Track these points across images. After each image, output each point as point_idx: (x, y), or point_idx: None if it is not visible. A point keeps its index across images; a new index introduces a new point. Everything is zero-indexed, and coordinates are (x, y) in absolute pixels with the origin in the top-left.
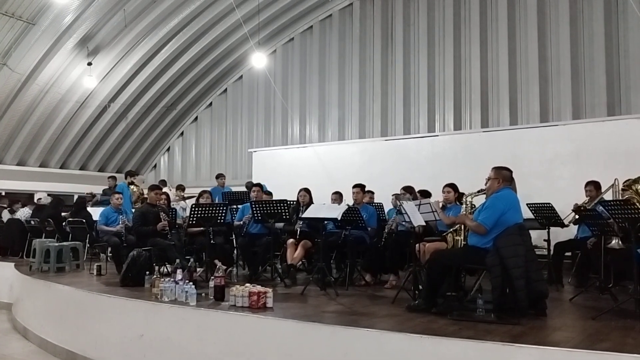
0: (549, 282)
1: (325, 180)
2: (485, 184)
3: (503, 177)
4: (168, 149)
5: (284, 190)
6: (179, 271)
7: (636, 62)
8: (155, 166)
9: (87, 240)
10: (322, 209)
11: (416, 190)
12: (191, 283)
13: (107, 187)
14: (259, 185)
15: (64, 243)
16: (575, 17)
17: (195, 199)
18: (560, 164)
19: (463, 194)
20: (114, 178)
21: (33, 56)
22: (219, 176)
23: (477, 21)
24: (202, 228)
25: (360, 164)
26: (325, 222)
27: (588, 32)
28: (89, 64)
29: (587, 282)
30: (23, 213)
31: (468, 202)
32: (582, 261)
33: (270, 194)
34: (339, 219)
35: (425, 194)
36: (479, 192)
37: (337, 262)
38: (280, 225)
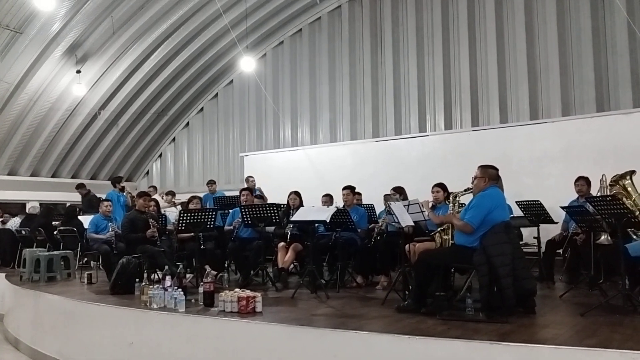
0: (540, 280)
1: (317, 182)
2: (472, 183)
3: (489, 175)
4: (160, 155)
5: (276, 194)
6: (167, 278)
7: (624, 58)
8: (147, 173)
9: (79, 249)
10: (311, 211)
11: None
12: (180, 289)
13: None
14: (248, 189)
15: (54, 252)
16: (563, 14)
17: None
18: (550, 161)
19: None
20: (83, 185)
21: (21, 65)
22: (210, 182)
23: (465, 21)
24: (192, 234)
25: (352, 166)
26: (316, 224)
27: (575, 29)
28: (78, 71)
29: (578, 278)
30: (13, 223)
31: (456, 201)
32: (572, 258)
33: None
34: (328, 221)
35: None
36: (466, 190)
37: (329, 264)
38: (271, 229)
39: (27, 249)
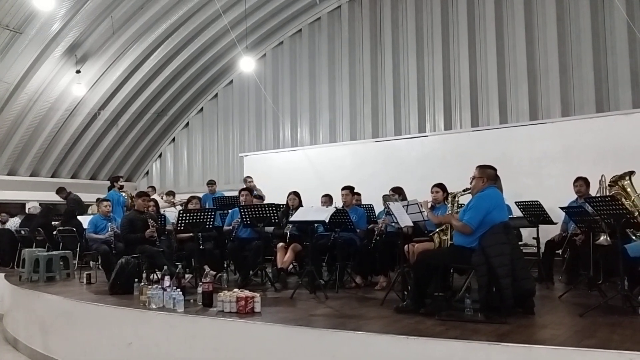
0: (540, 280)
1: (317, 182)
2: (470, 183)
3: (487, 175)
4: (160, 155)
5: (276, 194)
6: (166, 278)
7: (623, 58)
8: (147, 173)
9: (78, 249)
10: (310, 211)
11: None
12: (179, 289)
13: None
14: (247, 189)
15: (54, 252)
16: (562, 14)
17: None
18: (550, 161)
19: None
20: (63, 189)
21: (21, 65)
22: (210, 183)
23: (465, 21)
24: (191, 234)
25: (352, 166)
26: (316, 225)
27: (575, 29)
28: (78, 71)
29: (577, 279)
30: (12, 223)
31: (455, 202)
32: (571, 258)
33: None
34: (327, 221)
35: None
36: (464, 191)
37: (328, 264)
38: (270, 229)
39: (26, 249)
